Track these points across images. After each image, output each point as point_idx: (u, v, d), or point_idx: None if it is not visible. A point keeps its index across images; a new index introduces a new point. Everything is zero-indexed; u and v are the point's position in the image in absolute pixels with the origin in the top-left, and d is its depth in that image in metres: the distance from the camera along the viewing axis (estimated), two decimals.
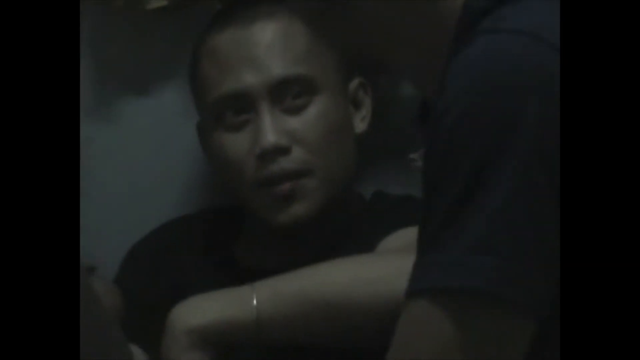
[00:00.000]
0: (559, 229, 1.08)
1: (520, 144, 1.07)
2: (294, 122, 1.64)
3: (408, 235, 1.36)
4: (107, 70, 1.99)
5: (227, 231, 1.78)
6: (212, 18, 1.73)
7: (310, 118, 1.65)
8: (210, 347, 1.49)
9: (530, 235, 1.08)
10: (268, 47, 1.62)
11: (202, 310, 1.50)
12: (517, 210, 1.07)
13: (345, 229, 1.66)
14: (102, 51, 1.98)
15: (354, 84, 1.68)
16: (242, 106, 1.65)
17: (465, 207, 1.07)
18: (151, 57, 1.98)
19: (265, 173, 1.63)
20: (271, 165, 1.62)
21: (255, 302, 1.48)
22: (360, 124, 1.70)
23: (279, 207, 1.64)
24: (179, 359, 1.48)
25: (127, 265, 1.81)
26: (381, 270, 1.45)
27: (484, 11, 1.15)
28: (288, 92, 1.65)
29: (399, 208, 1.64)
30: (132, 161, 1.94)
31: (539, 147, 1.07)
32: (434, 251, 1.10)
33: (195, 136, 1.85)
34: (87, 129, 1.82)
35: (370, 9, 1.21)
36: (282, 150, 1.62)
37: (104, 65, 1.99)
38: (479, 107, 1.08)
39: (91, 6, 1.91)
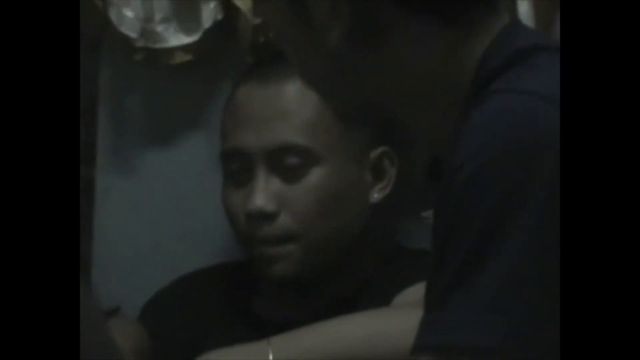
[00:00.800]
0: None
1: (533, 204, 1.07)
2: (287, 190, 1.64)
3: (423, 290, 1.35)
4: (126, 122, 2.00)
5: (246, 284, 1.77)
6: (245, 70, 1.73)
7: (305, 188, 1.65)
8: None
9: (540, 295, 1.07)
10: (276, 110, 1.61)
11: None
12: (528, 270, 1.07)
13: (361, 282, 1.65)
14: (122, 102, 1.99)
15: (376, 152, 1.66)
16: (244, 164, 1.65)
17: (477, 266, 1.07)
18: (171, 109, 1.98)
19: (252, 232, 1.64)
20: (257, 227, 1.63)
21: (271, 357, 1.48)
22: (378, 194, 1.69)
23: (267, 265, 1.65)
24: None
25: (148, 314, 1.81)
26: (397, 324, 1.44)
27: (496, 72, 1.15)
28: (286, 159, 1.64)
29: (416, 262, 1.61)
30: (151, 213, 1.94)
31: (551, 206, 1.06)
32: (444, 309, 1.10)
33: (213, 188, 1.83)
34: (105, 180, 1.92)
35: (386, 71, 1.22)
36: (267, 216, 1.63)
37: (124, 116, 2.00)
38: (493, 166, 1.08)
39: (111, 58, 1.94)
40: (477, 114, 1.12)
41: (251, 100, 1.61)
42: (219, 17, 1.86)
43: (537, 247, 1.06)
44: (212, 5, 1.87)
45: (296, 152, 1.63)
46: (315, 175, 1.64)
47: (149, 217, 1.95)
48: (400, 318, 1.41)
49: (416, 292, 1.47)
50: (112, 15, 1.87)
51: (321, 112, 1.58)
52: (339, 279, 1.66)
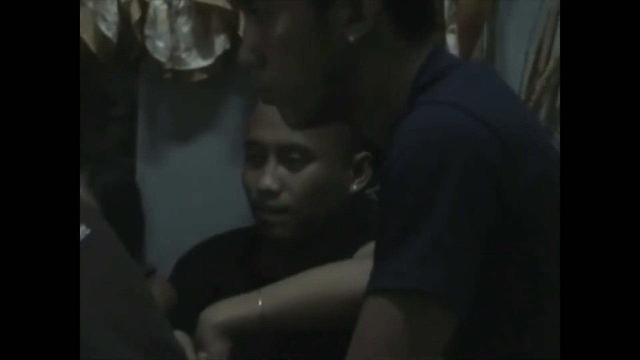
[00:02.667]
0: (477, 245, 1.16)
1: (448, 188, 1.14)
2: (289, 176, 1.76)
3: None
4: (158, 124, 2.16)
5: (252, 247, 1.88)
6: None
7: (302, 176, 1.76)
8: (228, 338, 1.53)
9: (456, 253, 1.15)
10: None
11: (222, 311, 1.55)
12: (447, 235, 1.15)
13: (340, 245, 1.72)
14: (155, 110, 2.16)
15: (360, 156, 1.74)
16: (259, 152, 1.78)
17: (409, 232, 1.15)
18: (191, 115, 2.15)
19: (260, 203, 1.77)
20: (264, 200, 1.76)
21: (260, 302, 1.54)
22: (356, 186, 1.78)
23: (269, 229, 1.79)
24: (206, 345, 1.52)
25: (177, 271, 1.93)
26: (356, 271, 1.45)
27: (423, 87, 1.23)
28: (290, 154, 1.75)
29: None
30: (176, 192, 2.11)
31: (463, 189, 1.15)
32: (386, 262, 1.17)
33: (222, 173, 2.05)
34: (143, 167, 2.11)
35: (356, 79, 1.26)
36: (272, 193, 1.75)
37: (156, 120, 2.16)
38: (416, 161, 1.16)
39: (147, 76, 2.12)
40: (406, 121, 1.19)
41: (271, 107, 1.47)
42: (227, 46, 2.03)
43: (451, 217, 1.14)
44: (222, 37, 2.03)
45: (298, 150, 1.75)
46: (311, 168, 1.76)
47: (175, 195, 2.10)
48: (359, 267, 1.42)
49: (371, 247, 1.35)
50: (148, 45, 2.03)
51: (326, 131, 1.60)
52: (324, 243, 1.75)
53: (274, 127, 1.68)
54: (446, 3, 1.86)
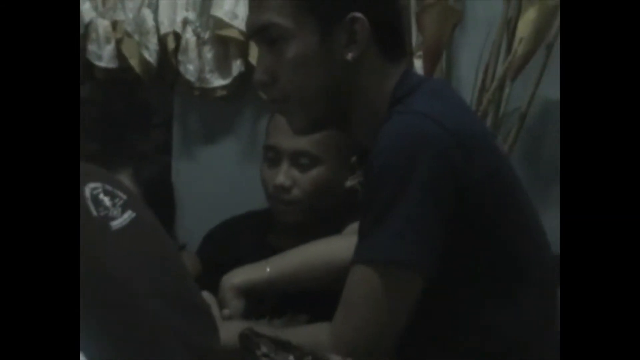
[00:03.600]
0: (440, 225, 1.16)
1: (416, 181, 1.14)
2: (299, 176, 1.71)
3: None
4: (189, 130, 2.15)
5: (264, 226, 1.82)
6: None
7: (310, 177, 1.71)
8: (243, 297, 1.49)
9: (423, 231, 1.16)
10: None
11: (238, 276, 1.51)
12: (415, 217, 1.15)
13: (336, 227, 1.65)
14: (186, 118, 2.15)
15: (354, 158, 1.63)
16: (275, 155, 1.72)
17: (385, 215, 1.15)
18: (215, 123, 2.13)
19: (275, 197, 1.73)
20: (278, 194, 1.72)
21: (268, 269, 1.50)
22: (350, 182, 1.66)
23: (281, 215, 1.75)
24: (227, 303, 1.49)
25: (204, 246, 1.88)
26: (341, 244, 1.45)
27: (399, 99, 1.23)
28: (300, 159, 1.70)
29: None
30: (205, 184, 2.10)
31: (429, 182, 1.15)
32: (367, 238, 1.18)
33: (241, 169, 2.03)
34: (177, 164, 2.09)
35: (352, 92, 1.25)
36: (285, 189, 1.70)
37: (188, 127, 2.15)
38: (392, 160, 1.16)
39: (181, 92, 2.11)
40: (385, 126, 1.18)
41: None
42: (242, 69, 2.02)
43: (419, 204, 1.15)
44: (237, 62, 2.01)
45: (307, 156, 1.69)
46: (317, 171, 1.71)
47: (202, 186, 2.08)
48: (346, 241, 1.38)
49: (355, 226, 1.36)
50: (181, 68, 2.03)
51: (324, 134, 1.53)
52: (323, 225, 1.67)
53: (288, 137, 1.61)
54: (414, 34, 1.86)
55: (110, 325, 0.93)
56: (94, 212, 0.96)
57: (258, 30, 1.27)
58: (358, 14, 1.22)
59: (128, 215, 0.98)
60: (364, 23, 1.22)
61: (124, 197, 1.00)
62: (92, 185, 0.97)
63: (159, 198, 1.84)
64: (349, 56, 1.23)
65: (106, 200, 0.97)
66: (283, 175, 1.70)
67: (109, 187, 1.00)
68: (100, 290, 0.94)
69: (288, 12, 1.22)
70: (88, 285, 0.91)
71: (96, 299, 0.91)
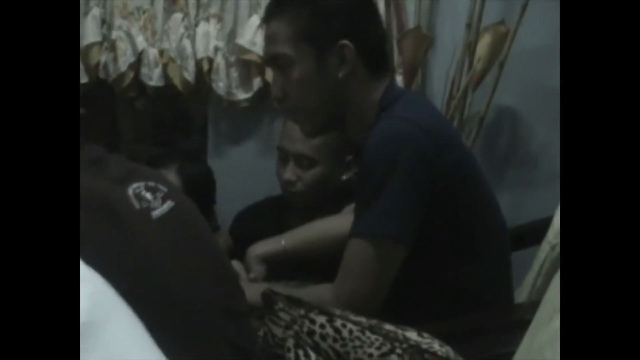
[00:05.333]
0: (419, 206, 1.14)
1: (399, 173, 1.14)
2: (302, 173, 1.64)
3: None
4: (221, 133, 2.11)
5: (280, 208, 1.77)
6: None
7: (310, 174, 1.64)
8: (264, 263, 1.48)
9: (404, 211, 1.16)
10: (301, 136, 1.48)
11: (260, 247, 1.50)
12: (398, 201, 1.15)
13: (335, 209, 1.61)
14: (219, 124, 2.11)
15: (349, 158, 1.62)
16: (284, 155, 1.67)
17: (375, 199, 1.15)
18: (240, 127, 2.09)
19: (285, 188, 1.67)
20: (287, 186, 1.66)
21: (283, 242, 1.49)
22: (345, 177, 1.66)
23: (290, 200, 1.68)
24: (252, 268, 1.48)
25: (234, 225, 1.83)
26: (340, 221, 1.43)
27: (384, 107, 1.23)
28: (302, 159, 1.62)
29: None
30: (233, 177, 2.04)
31: (409, 173, 1.15)
32: (361, 217, 1.18)
33: (262, 165, 1.94)
34: (212, 162, 2.03)
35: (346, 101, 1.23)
36: (291, 182, 1.64)
37: (220, 131, 2.11)
38: (379, 157, 1.16)
39: (213, 104, 2.07)
40: (374, 129, 1.19)
41: (293, 126, 1.49)
42: (261, 85, 1.98)
43: (401, 190, 1.15)
44: (257, 79, 1.97)
45: (307, 158, 1.63)
46: (315, 170, 1.64)
47: (231, 179, 2.02)
48: (345, 218, 1.37)
49: (352, 206, 1.41)
50: (213, 85, 1.99)
51: (322, 140, 1.51)
52: (326, 207, 1.62)
53: (292, 141, 1.60)
54: (396, 55, 1.83)
55: (153, 296, 0.85)
56: (137, 206, 0.90)
57: (270, 59, 1.28)
58: (345, 42, 1.22)
59: (167, 205, 0.93)
60: (350, 48, 1.22)
61: (165, 189, 0.94)
62: (134, 185, 0.92)
63: (198, 188, 1.80)
64: (341, 75, 1.22)
65: (148, 195, 0.92)
66: (289, 172, 1.66)
67: (151, 183, 0.94)
68: (145, 272, 0.87)
69: (291, 44, 1.23)
70: (135, 272, 0.84)
71: (140, 283, 0.82)
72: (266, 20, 1.29)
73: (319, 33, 1.22)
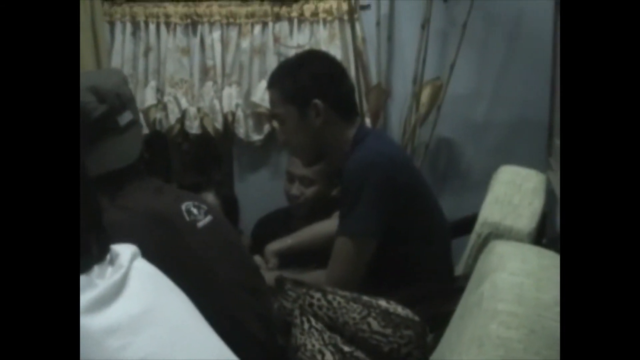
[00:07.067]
0: (386, 214, 1.10)
1: (369, 188, 1.11)
2: (304, 190, 1.62)
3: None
4: (243, 165, 2.03)
5: (288, 217, 1.71)
6: None
7: (310, 191, 1.61)
8: (277, 256, 1.45)
9: (375, 217, 1.13)
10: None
11: (274, 245, 1.47)
12: (370, 210, 1.12)
13: (327, 215, 1.55)
14: (241, 159, 2.03)
15: (336, 180, 1.48)
16: (291, 177, 1.64)
17: (353, 207, 1.13)
18: (258, 156, 2.01)
19: (291, 201, 1.65)
20: (293, 198, 1.64)
21: (289, 241, 1.49)
22: (334, 193, 1.61)
23: (295, 211, 1.65)
24: (269, 260, 1.44)
25: (255, 229, 1.80)
26: (330, 224, 1.39)
27: (357, 142, 1.20)
28: (305, 180, 1.61)
29: None
30: (253, 196, 1.96)
31: (377, 189, 1.12)
32: (343, 221, 1.16)
33: (274, 186, 1.87)
34: (237, 186, 1.99)
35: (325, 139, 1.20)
36: (295, 196, 1.62)
37: (242, 164, 2.03)
38: (356, 177, 1.13)
39: (236, 144, 2.00)
40: (350, 158, 1.17)
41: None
42: (269, 129, 1.95)
43: (372, 203, 1.11)
44: (267, 126, 1.95)
45: (307, 179, 1.60)
46: (313, 188, 1.62)
47: (252, 197, 1.98)
48: (333, 223, 1.27)
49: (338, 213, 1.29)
50: (236, 131, 1.96)
51: (319, 166, 1.41)
52: (320, 214, 1.57)
53: (298, 167, 1.56)
54: (364, 105, 1.82)
55: (200, 281, 0.84)
56: (187, 219, 0.92)
57: (272, 116, 1.32)
58: (317, 100, 1.21)
59: (208, 218, 0.94)
60: (321, 105, 1.20)
61: (205, 207, 0.96)
62: (185, 203, 0.93)
63: (229, 206, 1.81)
64: (318, 124, 1.20)
65: (194, 210, 0.94)
66: (295, 189, 1.63)
67: (197, 203, 0.96)
68: (193, 264, 0.88)
69: (282, 106, 1.23)
70: (186, 264, 0.84)
71: (191, 273, 0.81)
72: (268, 87, 1.29)
73: (298, 96, 1.21)
